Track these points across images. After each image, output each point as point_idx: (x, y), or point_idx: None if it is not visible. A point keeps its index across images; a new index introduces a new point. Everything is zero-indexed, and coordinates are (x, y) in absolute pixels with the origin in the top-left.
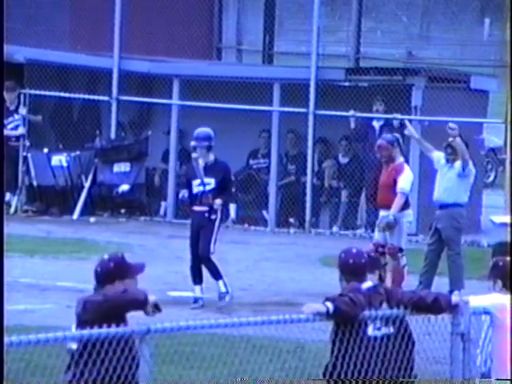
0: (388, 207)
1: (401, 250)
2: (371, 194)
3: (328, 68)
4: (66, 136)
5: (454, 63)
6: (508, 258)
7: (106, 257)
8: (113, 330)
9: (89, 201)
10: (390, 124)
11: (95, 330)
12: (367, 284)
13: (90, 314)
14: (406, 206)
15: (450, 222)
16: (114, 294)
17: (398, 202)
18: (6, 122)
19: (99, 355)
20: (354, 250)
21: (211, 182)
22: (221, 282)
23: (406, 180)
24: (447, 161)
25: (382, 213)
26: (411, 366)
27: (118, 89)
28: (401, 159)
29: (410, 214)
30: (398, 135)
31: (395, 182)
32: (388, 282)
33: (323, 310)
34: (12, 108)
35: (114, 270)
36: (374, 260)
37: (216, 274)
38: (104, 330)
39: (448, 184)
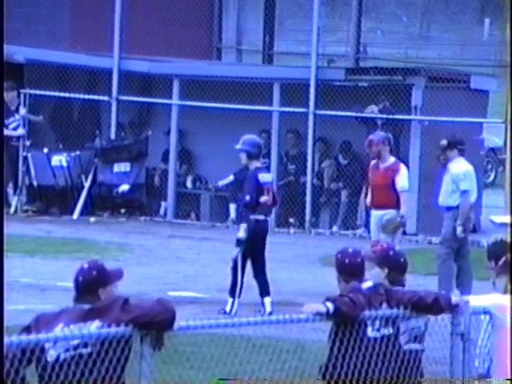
0: (386, 207)
1: None
2: (366, 194)
3: (328, 68)
4: (66, 136)
5: (454, 63)
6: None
7: (85, 265)
8: (113, 329)
9: (89, 201)
10: (392, 122)
11: (95, 330)
12: (367, 284)
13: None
14: (398, 204)
15: (447, 223)
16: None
17: (405, 200)
18: (7, 122)
19: (99, 355)
20: (351, 250)
21: None
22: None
23: (404, 178)
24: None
25: (374, 212)
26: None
27: (118, 89)
28: (392, 159)
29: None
30: (390, 135)
31: (393, 181)
32: None
33: (323, 311)
34: (13, 108)
35: (98, 278)
36: (381, 255)
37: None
38: (104, 330)
39: (447, 187)
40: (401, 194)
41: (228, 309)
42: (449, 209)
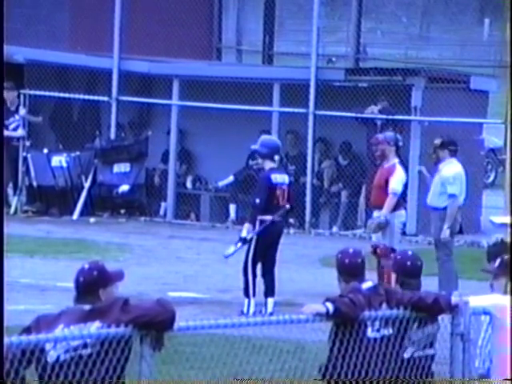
0: (380, 208)
1: (393, 250)
2: (366, 195)
3: (328, 68)
4: (65, 136)
5: (454, 63)
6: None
7: (86, 266)
8: (113, 330)
9: (89, 201)
10: (392, 122)
11: (95, 331)
12: (367, 284)
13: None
14: (398, 206)
15: (436, 225)
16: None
17: (388, 202)
18: (7, 122)
19: (99, 356)
20: (351, 250)
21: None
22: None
23: (397, 180)
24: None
25: (375, 213)
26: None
27: (118, 89)
28: (395, 160)
29: (402, 215)
30: (399, 136)
31: (387, 182)
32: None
33: (323, 311)
34: (13, 109)
35: (98, 279)
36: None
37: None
38: (104, 331)
39: (435, 188)
40: (389, 194)
41: (245, 309)
42: (435, 209)
